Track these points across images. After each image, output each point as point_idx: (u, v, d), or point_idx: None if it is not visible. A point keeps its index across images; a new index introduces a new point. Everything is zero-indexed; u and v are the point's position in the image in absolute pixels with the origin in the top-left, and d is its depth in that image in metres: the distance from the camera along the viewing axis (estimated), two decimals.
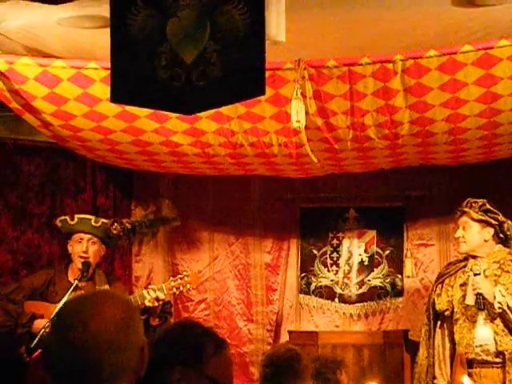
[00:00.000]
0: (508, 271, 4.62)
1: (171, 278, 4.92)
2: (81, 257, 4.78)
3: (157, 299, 4.63)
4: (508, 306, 4.44)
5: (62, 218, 4.96)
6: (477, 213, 4.67)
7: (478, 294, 4.51)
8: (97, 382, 1.68)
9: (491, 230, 4.69)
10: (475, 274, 4.56)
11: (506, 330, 4.51)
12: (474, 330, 4.58)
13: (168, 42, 2.65)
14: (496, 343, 4.51)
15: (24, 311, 4.62)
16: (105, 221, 4.98)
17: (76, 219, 4.87)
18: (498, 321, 4.52)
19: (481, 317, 4.57)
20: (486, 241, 4.69)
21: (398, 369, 5.39)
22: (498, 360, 4.54)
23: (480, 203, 4.70)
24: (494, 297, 4.48)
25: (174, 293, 4.86)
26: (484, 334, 4.55)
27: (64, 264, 4.96)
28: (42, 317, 4.57)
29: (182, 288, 4.84)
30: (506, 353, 4.50)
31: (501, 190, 5.57)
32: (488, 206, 4.69)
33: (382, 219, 5.96)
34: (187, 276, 4.87)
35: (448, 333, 4.78)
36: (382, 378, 5.16)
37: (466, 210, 4.70)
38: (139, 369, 1.72)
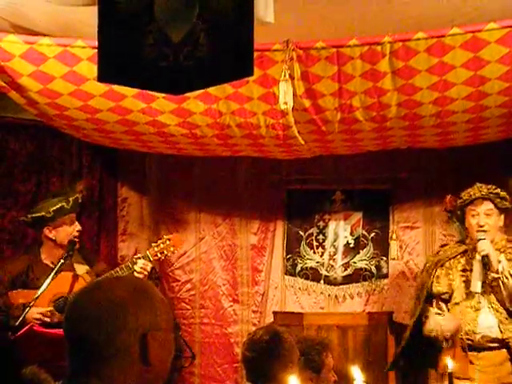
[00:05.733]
0: (511, 259, 4.61)
1: (153, 244, 4.82)
2: (76, 237, 4.73)
3: (145, 268, 4.60)
4: (510, 273, 4.46)
5: (55, 207, 4.71)
6: (497, 199, 4.61)
7: (485, 256, 4.48)
8: (90, 360, 1.69)
9: (503, 217, 4.68)
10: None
11: (509, 319, 4.52)
12: (477, 318, 4.57)
13: (156, 21, 2.62)
14: (501, 332, 4.53)
15: (12, 303, 4.54)
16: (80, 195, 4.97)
17: (71, 201, 4.77)
18: (501, 309, 4.54)
19: (485, 304, 4.58)
20: (500, 227, 4.69)
21: (382, 350, 5.43)
22: (498, 345, 4.56)
23: (498, 189, 4.64)
24: (499, 261, 4.50)
25: (160, 258, 4.79)
26: (488, 322, 4.55)
27: (36, 248, 4.84)
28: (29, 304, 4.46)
29: (166, 252, 4.75)
30: (510, 340, 4.52)
31: (487, 173, 5.59)
32: (505, 193, 4.66)
33: (369, 202, 5.98)
34: (169, 239, 4.79)
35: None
36: (366, 360, 5.20)
37: (490, 196, 4.61)
38: (145, 358, 1.69)
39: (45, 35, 4.38)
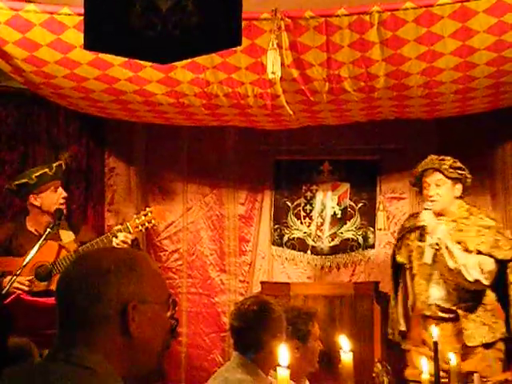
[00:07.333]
0: (461, 229, 4.62)
1: (135, 216, 4.77)
2: (62, 204, 4.72)
3: (125, 241, 4.58)
4: (447, 246, 4.48)
5: (38, 173, 4.71)
6: (447, 170, 4.64)
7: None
8: (75, 329, 1.70)
9: (460, 187, 4.70)
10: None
11: (458, 289, 4.56)
12: (429, 288, 4.63)
13: None
14: (450, 301, 4.58)
15: None
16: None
17: (54, 168, 4.75)
18: (450, 280, 4.58)
19: (435, 275, 4.62)
20: (456, 197, 4.70)
21: (369, 319, 5.46)
22: (452, 316, 4.61)
23: (450, 160, 4.65)
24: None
25: (141, 230, 4.75)
26: (438, 293, 4.61)
27: (22, 217, 4.83)
28: (10, 273, 4.46)
29: (147, 224, 4.70)
30: (459, 310, 4.57)
31: (474, 144, 5.61)
32: (459, 164, 4.67)
33: (356, 172, 5.99)
34: (151, 212, 4.74)
35: (410, 285, 4.83)
36: (352, 329, 5.23)
37: (440, 167, 4.63)
38: (126, 330, 1.68)
39: (30, 1, 4.33)
